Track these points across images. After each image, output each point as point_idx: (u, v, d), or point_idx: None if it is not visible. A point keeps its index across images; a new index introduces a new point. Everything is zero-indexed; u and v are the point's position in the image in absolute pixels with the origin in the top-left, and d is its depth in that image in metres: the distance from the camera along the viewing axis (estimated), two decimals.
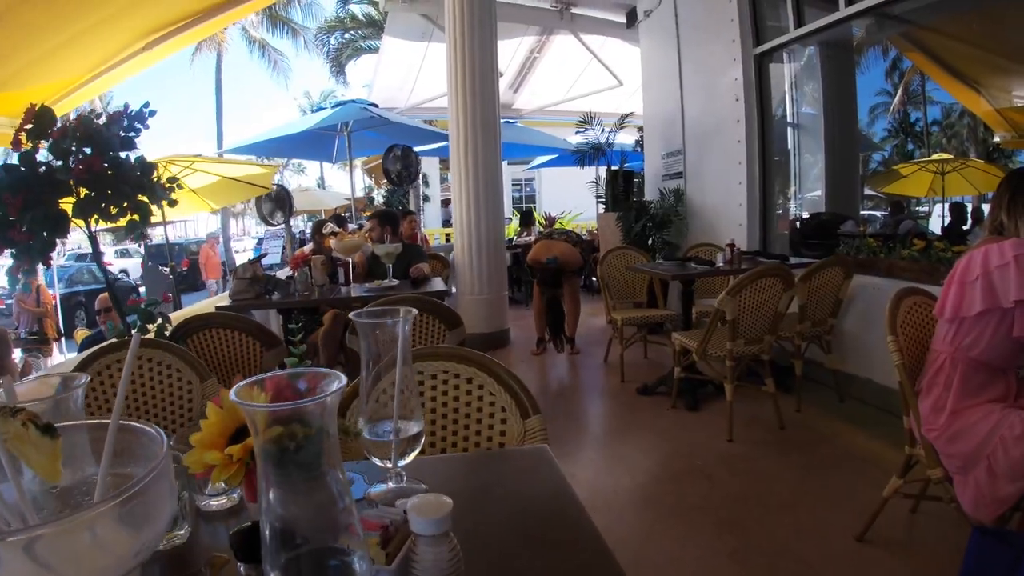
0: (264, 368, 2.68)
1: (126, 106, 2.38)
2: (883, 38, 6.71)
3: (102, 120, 2.33)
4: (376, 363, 0.94)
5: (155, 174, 2.48)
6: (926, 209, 9.12)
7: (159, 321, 2.58)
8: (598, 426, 4.13)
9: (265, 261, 18.89)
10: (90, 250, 2.53)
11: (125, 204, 2.43)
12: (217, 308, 3.48)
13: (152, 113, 2.53)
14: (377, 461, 0.95)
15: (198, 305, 4.24)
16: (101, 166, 2.25)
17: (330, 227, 3.75)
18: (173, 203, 2.70)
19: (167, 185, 2.57)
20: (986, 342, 2.02)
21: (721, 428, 3.56)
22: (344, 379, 0.54)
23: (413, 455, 0.96)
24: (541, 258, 5.27)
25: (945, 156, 8.39)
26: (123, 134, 2.39)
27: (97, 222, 2.44)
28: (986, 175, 7.99)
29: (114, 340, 2.32)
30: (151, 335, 2.53)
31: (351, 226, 6.16)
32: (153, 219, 2.76)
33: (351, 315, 0.93)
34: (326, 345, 3.82)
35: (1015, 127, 7.06)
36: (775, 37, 4.98)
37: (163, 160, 6.81)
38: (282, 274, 4.39)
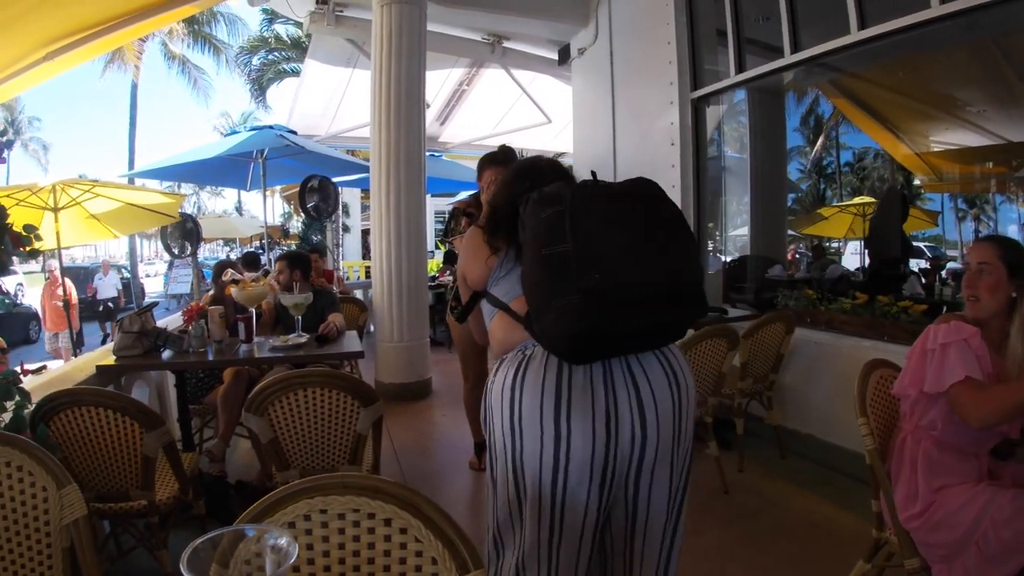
0: (144, 453, 2.23)
1: None
2: (811, 84, 6.85)
3: None
4: None
5: (8, 221, 2.01)
6: (836, 247, 9.43)
7: (16, 399, 2.08)
8: None
9: (176, 290, 17.92)
10: None
11: None
12: (98, 367, 3.00)
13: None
14: None
15: (72, 363, 3.66)
16: None
17: (231, 274, 3.29)
18: (34, 254, 2.22)
19: (24, 234, 2.10)
20: (943, 423, 1.89)
21: None
22: None
23: None
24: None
25: (867, 199, 8.67)
26: None
27: None
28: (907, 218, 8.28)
29: None
30: (7, 418, 2.02)
31: (265, 265, 5.67)
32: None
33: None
34: (226, 407, 3.34)
35: (935, 171, 7.33)
36: (712, 81, 4.88)
37: (61, 183, 6.23)
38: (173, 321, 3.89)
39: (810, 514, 3.15)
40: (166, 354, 3.11)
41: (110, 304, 13.58)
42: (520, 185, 1.58)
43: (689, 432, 1.43)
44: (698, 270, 1.38)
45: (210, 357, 3.12)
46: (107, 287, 13.79)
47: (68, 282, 8.98)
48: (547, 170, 1.67)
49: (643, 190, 1.40)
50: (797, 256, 8.34)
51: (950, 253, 8.43)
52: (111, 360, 3.06)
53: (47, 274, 9.61)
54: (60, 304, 8.69)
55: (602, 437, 1.30)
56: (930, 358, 1.86)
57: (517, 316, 1.44)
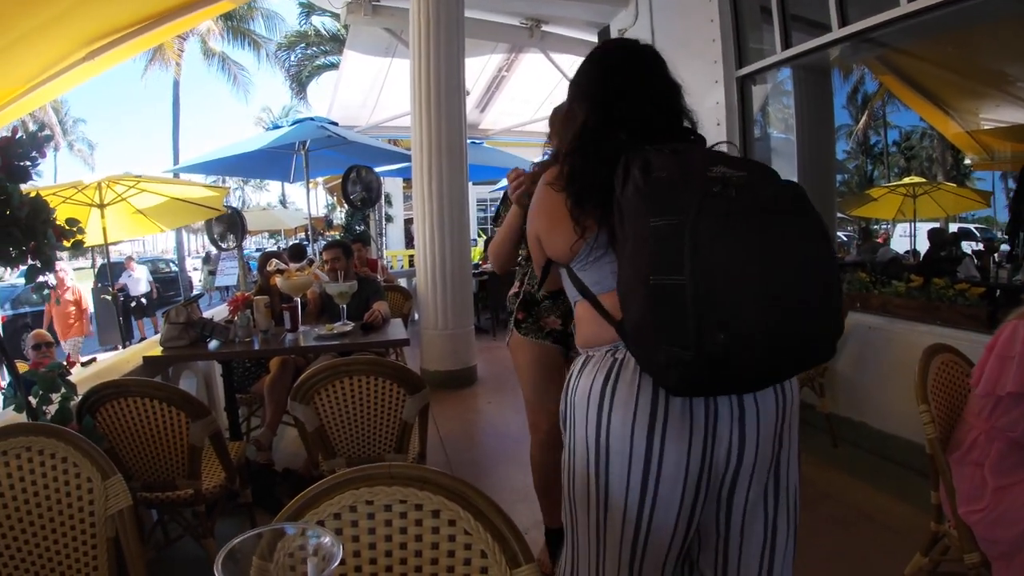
0: (191, 443, 2.28)
1: (14, 130, 1.98)
2: (857, 61, 6.62)
3: None
4: None
5: (52, 216, 2.06)
6: (885, 229, 9.12)
7: (62, 391, 2.15)
8: None
9: (222, 282, 18.30)
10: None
11: (24, 248, 2.01)
12: (145, 359, 3.06)
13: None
14: None
15: (119, 355, 3.76)
16: None
17: (275, 263, 3.34)
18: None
19: (67, 228, 2.15)
20: None
21: None
22: None
23: None
24: None
25: (917, 179, 8.36)
26: (18, 162, 1.98)
27: None
28: (957, 198, 7.97)
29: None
30: (53, 409, 2.09)
31: (311, 255, 5.74)
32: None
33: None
34: (273, 395, 3.40)
35: (986, 149, 7.02)
36: (757, 59, 4.75)
37: (106, 180, 6.39)
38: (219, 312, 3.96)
39: (865, 505, 3.07)
40: (212, 344, 3.17)
41: (143, 300, 13.44)
42: (610, 136, 1.25)
43: (790, 441, 1.23)
44: (839, 318, 1.13)
45: (256, 347, 3.17)
46: (136, 283, 13.57)
47: (76, 284, 8.96)
48: (652, 113, 1.28)
49: (792, 203, 1.08)
50: (843, 239, 8.11)
51: (1001, 235, 8.09)
52: (158, 351, 3.13)
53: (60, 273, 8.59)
54: (72, 310, 8.67)
55: (696, 460, 1.14)
56: None
57: (610, 317, 1.22)
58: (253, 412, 3.90)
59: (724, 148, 1.28)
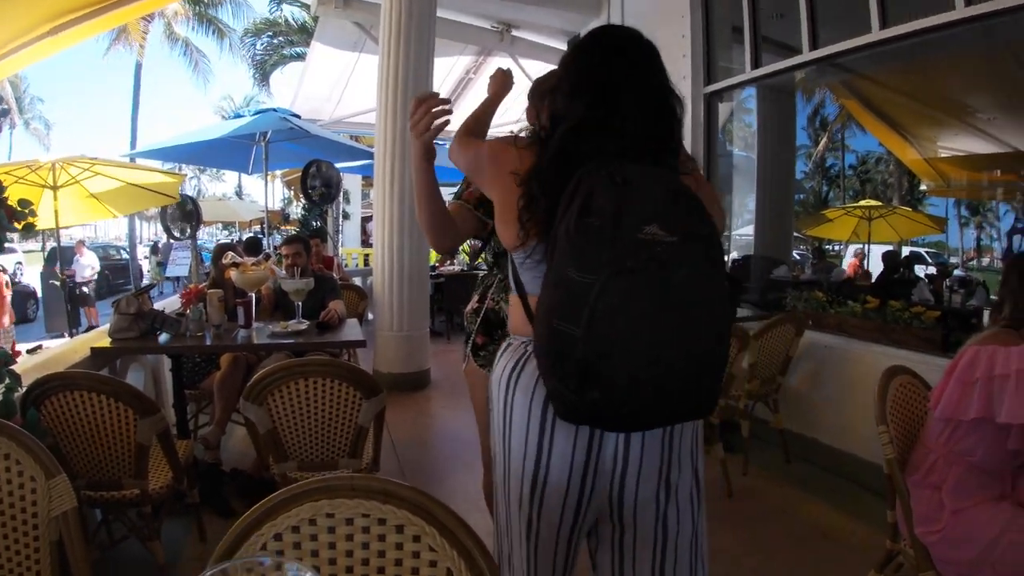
0: (138, 441, 2.16)
1: None
2: (822, 83, 6.78)
3: None
4: None
5: (4, 195, 1.93)
6: (837, 250, 9.38)
7: (6, 381, 2.01)
8: None
9: (173, 272, 17.73)
10: None
11: None
12: (93, 350, 2.91)
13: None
14: None
15: (66, 344, 3.58)
16: None
17: (231, 256, 3.20)
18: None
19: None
20: (985, 450, 1.82)
21: None
22: None
23: None
24: None
25: (873, 203, 8.61)
26: None
27: None
28: (912, 223, 8.24)
29: None
30: None
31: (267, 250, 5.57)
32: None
33: None
34: (223, 393, 3.27)
35: (942, 176, 7.26)
36: (725, 77, 4.80)
37: (61, 161, 6.15)
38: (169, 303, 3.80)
39: (818, 521, 3.10)
40: (163, 337, 3.03)
41: (84, 288, 12.40)
42: (587, 145, 1.19)
43: (680, 445, 1.27)
44: (715, 395, 1.15)
45: (208, 342, 3.05)
46: (83, 269, 12.80)
47: None
48: (642, 121, 1.20)
49: (697, 226, 1.09)
50: (797, 257, 8.29)
51: (953, 260, 8.41)
52: (107, 342, 2.99)
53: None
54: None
55: (582, 452, 1.21)
56: (1000, 385, 1.73)
57: (532, 318, 1.27)
58: (202, 409, 3.75)
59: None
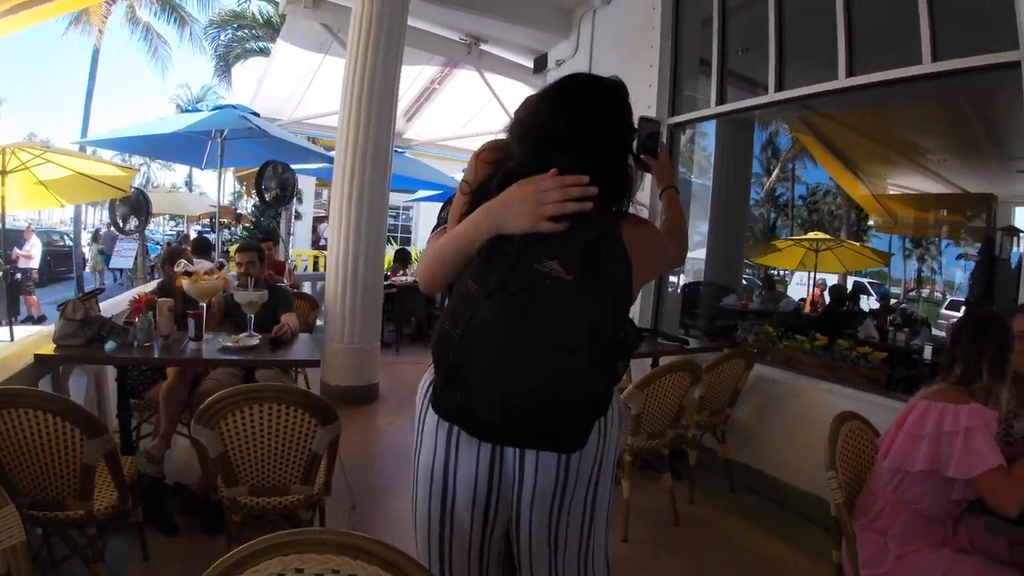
0: (84, 461, 2.05)
1: None
2: (780, 118, 6.97)
3: None
4: None
5: None
6: (780, 277, 9.68)
7: None
8: None
9: (117, 264, 16.98)
10: None
11: None
12: (37, 356, 2.77)
13: None
14: None
15: (8, 348, 3.37)
16: None
17: (183, 264, 3.08)
18: None
19: None
20: (931, 499, 1.91)
21: (614, 524, 3.23)
22: None
23: None
24: None
25: (821, 235, 8.91)
26: None
27: None
28: (857, 256, 8.57)
29: None
30: None
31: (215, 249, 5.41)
32: None
33: None
34: (168, 405, 3.13)
35: (889, 212, 7.57)
36: (690, 109, 4.88)
37: (12, 146, 5.83)
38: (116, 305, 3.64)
39: (764, 552, 3.15)
40: (109, 346, 2.89)
41: (19, 276, 11.55)
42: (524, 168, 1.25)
43: (578, 472, 1.33)
44: (574, 433, 1.19)
45: (156, 354, 2.92)
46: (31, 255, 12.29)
47: None
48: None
49: (604, 270, 1.14)
50: (744, 283, 8.50)
51: (894, 290, 8.79)
52: (51, 348, 2.84)
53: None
54: None
55: (485, 465, 1.31)
56: (949, 441, 1.80)
57: None
58: (145, 419, 3.58)
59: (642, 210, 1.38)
